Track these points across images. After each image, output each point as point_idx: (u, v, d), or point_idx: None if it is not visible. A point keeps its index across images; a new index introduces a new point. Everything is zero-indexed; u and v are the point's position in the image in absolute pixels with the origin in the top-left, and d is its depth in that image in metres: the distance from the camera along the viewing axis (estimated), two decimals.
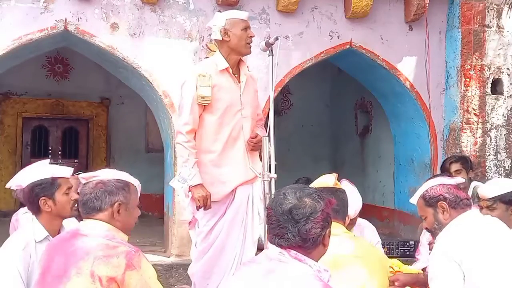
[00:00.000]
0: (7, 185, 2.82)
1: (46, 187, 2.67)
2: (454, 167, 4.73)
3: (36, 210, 2.70)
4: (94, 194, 2.30)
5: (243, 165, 3.54)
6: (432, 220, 2.70)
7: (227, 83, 3.55)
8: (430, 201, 2.70)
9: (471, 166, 4.84)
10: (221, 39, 3.53)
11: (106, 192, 2.31)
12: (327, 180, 2.87)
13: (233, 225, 3.54)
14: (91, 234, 2.23)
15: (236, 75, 3.60)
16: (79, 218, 2.79)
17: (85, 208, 2.32)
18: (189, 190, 3.49)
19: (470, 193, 4.55)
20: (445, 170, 4.77)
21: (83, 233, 2.25)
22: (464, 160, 4.83)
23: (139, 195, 2.46)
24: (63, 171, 2.78)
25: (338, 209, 2.69)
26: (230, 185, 3.53)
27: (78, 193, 2.78)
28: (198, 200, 3.42)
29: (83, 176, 2.39)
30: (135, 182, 2.44)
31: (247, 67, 3.68)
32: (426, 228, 2.79)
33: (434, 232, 2.71)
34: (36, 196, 2.67)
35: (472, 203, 2.77)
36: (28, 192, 2.70)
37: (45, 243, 2.65)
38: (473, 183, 4.69)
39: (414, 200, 2.80)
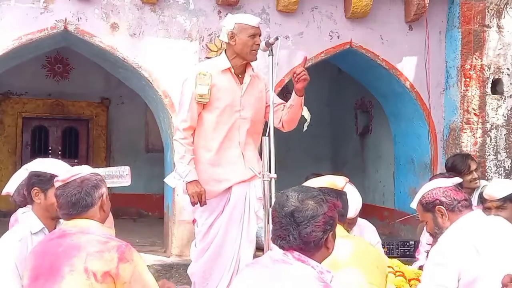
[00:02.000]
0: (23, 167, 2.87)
1: (43, 181, 2.70)
2: (474, 164, 4.61)
3: (30, 198, 2.75)
4: (84, 191, 2.33)
5: (238, 165, 3.55)
6: (432, 225, 2.69)
7: (228, 83, 3.55)
8: (427, 206, 2.69)
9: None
10: (227, 42, 3.53)
11: (94, 187, 2.35)
12: (337, 182, 2.86)
13: (231, 223, 3.55)
14: (78, 232, 2.26)
15: (240, 76, 3.59)
16: None
17: (75, 208, 2.32)
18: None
19: (478, 192, 4.51)
20: (459, 169, 4.52)
21: (70, 231, 2.27)
22: (473, 159, 4.76)
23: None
24: (65, 172, 2.79)
25: (343, 213, 2.70)
26: (225, 184, 3.54)
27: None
28: (192, 196, 3.43)
29: (61, 179, 2.39)
30: (99, 170, 2.51)
31: (252, 69, 3.67)
32: (429, 233, 2.79)
33: (435, 236, 2.70)
34: (31, 185, 2.71)
35: (471, 203, 2.76)
36: (27, 179, 2.77)
37: (41, 235, 2.67)
38: (481, 182, 4.65)
39: (413, 205, 2.80)
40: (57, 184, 2.40)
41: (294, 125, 3.71)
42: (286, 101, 3.71)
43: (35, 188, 2.70)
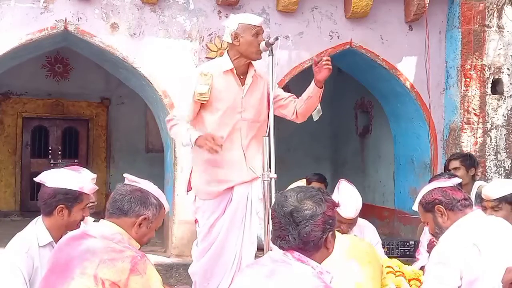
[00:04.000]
0: (36, 179, 2.79)
1: (70, 198, 2.66)
2: (452, 164, 4.66)
3: (48, 212, 2.69)
4: (128, 197, 2.29)
5: (240, 166, 3.54)
6: (433, 225, 2.71)
7: (230, 84, 3.54)
8: (427, 206, 2.71)
9: (474, 163, 4.76)
10: (231, 42, 3.51)
11: (140, 201, 2.31)
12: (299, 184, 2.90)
13: (233, 224, 3.54)
14: (100, 236, 2.22)
15: (242, 77, 3.58)
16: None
17: (111, 207, 2.30)
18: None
19: (474, 192, 4.52)
20: (446, 168, 4.70)
21: (92, 234, 2.25)
22: (464, 158, 4.73)
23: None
24: (91, 187, 2.77)
25: None
26: (226, 184, 3.52)
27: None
28: (206, 144, 3.24)
29: (128, 177, 2.39)
30: (167, 207, 2.44)
31: (254, 70, 3.65)
32: (431, 234, 2.80)
33: (437, 237, 2.72)
34: (56, 201, 2.66)
35: (473, 203, 2.77)
36: (49, 194, 2.68)
37: (49, 248, 2.64)
38: (477, 183, 4.66)
39: (415, 207, 2.83)
40: (126, 180, 2.40)
41: (308, 115, 3.70)
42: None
43: (60, 205, 2.65)
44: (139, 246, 2.34)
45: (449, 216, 2.64)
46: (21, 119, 9.61)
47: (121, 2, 5.74)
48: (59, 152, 9.84)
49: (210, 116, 3.53)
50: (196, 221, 3.74)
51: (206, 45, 5.89)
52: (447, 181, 2.80)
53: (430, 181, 3.45)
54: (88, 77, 9.39)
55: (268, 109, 3.65)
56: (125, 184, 2.37)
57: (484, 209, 3.28)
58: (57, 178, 2.71)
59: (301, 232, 1.89)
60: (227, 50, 3.61)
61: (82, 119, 9.88)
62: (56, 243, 2.63)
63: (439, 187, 2.72)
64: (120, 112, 9.83)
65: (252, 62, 3.61)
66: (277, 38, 3.26)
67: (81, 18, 5.63)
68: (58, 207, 2.65)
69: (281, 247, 1.93)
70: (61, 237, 2.63)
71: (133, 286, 2.10)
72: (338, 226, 3.48)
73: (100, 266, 2.10)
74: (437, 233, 2.69)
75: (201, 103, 3.50)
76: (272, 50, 3.28)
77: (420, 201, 2.75)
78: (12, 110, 9.52)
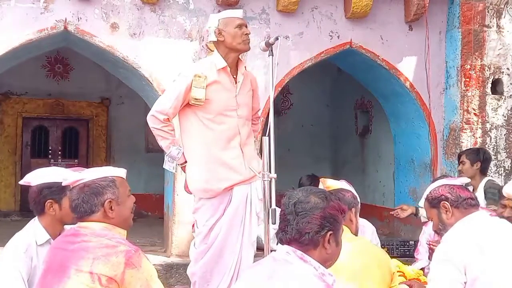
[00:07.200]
0: (20, 182, 2.79)
1: (55, 191, 2.65)
2: (460, 159, 4.84)
3: (40, 211, 2.69)
4: (81, 198, 2.28)
5: (239, 164, 3.53)
6: (437, 221, 2.72)
7: (224, 83, 3.54)
8: (433, 202, 2.73)
9: (480, 157, 4.76)
10: (216, 40, 3.53)
11: (93, 195, 2.28)
12: (342, 185, 3.10)
13: (232, 225, 3.53)
14: (91, 234, 2.24)
15: (234, 76, 3.59)
16: None
17: (77, 213, 2.31)
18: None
19: (481, 187, 4.54)
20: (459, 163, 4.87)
21: (83, 232, 2.26)
22: (469, 151, 4.89)
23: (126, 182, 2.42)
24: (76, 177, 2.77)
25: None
26: (225, 183, 3.51)
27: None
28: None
29: (68, 182, 2.37)
30: (120, 172, 2.40)
31: (245, 67, 3.67)
32: (435, 230, 2.81)
33: (440, 233, 2.73)
34: (43, 198, 2.66)
35: (479, 203, 2.77)
36: (36, 192, 2.69)
37: (47, 246, 2.64)
38: (486, 179, 4.68)
39: (421, 203, 2.85)
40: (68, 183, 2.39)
41: None
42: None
43: (48, 200, 2.65)
44: (125, 231, 2.34)
45: (454, 214, 2.65)
46: (21, 119, 9.61)
47: (121, 2, 5.74)
48: (59, 152, 9.84)
49: (207, 114, 3.52)
50: (193, 225, 3.73)
51: (206, 45, 5.89)
52: (455, 180, 2.82)
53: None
54: (88, 77, 9.39)
55: (254, 105, 3.71)
56: (71, 189, 2.34)
57: (504, 207, 3.26)
58: (40, 176, 2.72)
59: (298, 222, 1.92)
60: (216, 50, 3.61)
61: (82, 119, 9.89)
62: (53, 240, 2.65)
63: (447, 184, 2.74)
64: (120, 112, 9.83)
65: (246, 62, 3.61)
66: (277, 38, 3.26)
67: (81, 18, 5.63)
68: (47, 202, 2.65)
69: (280, 240, 1.97)
70: (59, 233, 2.65)
71: (129, 279, 2.12)
72: None
73: (95, 263, 2.11)
74: (440, 229, 2.70)
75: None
76: (272, 50, 3.28)
77: (427, 196, 2.77)
78: (12, 110, 9.52)
